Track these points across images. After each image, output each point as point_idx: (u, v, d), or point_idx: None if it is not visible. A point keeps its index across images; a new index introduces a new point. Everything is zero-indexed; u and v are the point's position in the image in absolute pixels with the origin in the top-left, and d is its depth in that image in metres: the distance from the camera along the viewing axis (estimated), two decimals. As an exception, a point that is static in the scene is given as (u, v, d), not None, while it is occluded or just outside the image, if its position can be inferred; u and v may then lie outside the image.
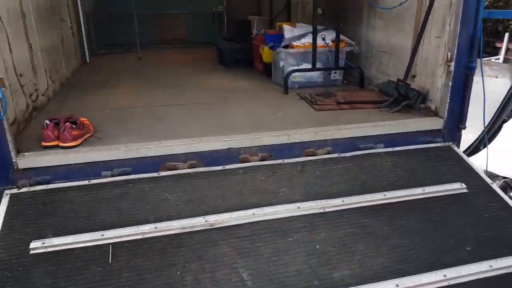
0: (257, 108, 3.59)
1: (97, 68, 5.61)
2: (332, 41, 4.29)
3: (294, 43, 4.30)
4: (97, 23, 7.64)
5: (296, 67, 4.27)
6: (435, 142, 3.08)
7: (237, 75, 5.14)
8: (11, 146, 2.39)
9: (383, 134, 3.02)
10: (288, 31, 4.45)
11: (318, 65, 4.25)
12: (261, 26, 5.74)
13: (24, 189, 2.41)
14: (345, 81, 4.59)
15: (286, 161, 2.77)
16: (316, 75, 4.37)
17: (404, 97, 3.41)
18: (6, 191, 2.39)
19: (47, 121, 2.62)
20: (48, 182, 2.47)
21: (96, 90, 4.20)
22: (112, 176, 2.53)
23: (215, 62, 6.03)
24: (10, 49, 2.91)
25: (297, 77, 4.29)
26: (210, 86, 4.52)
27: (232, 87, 4.47)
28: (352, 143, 2.95)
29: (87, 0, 6.78)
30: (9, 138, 2.37)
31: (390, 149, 2.95)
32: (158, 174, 2.58)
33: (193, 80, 4.83)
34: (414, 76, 3.61)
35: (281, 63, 4.36)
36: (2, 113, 2.29)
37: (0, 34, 2.79)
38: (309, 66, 4.22)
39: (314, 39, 4.13)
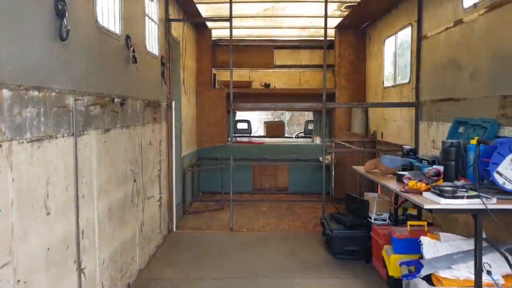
0: None
1: (178, 249, 4.79)
2: (505, 277, 2.79)
3: (441, 274, 2.89)
4: (194, 175, 7.26)
5: (445, 313, 2.80)
6: None
7: (349, 282, 3.81)
8: None
9: None
10: (429, 247, 3.08)
11: (485, 316, 2.72)
12: (382, 209, 4.50)
13: None
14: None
15: None
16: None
17: None
18: None
19: None
20: None
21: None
22: None
23: (319, 243, 4.81)
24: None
25: (447, 329, 2.78)
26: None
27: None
28: None
29: (184, 158, 6.43)
30: None
31: None
32: None
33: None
34: None
35: (420, 299, 2.93)
36: None
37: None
38: (469, 315, 2.72)
39: (478, 274, 2.69)
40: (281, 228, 5.65)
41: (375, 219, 4.45)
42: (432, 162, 3.57)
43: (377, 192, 5.34)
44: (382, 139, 6.80)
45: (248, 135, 8.84)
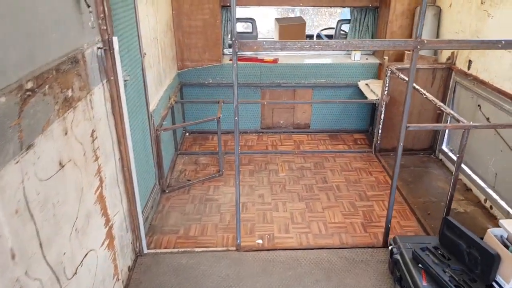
0: None
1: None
2: None
3: None
4: (175, 128, 4.87)
5: None
6: None
7: None
8: None
9: None
10: None
11: None
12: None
13: None
14: None
15: None
16: None
17: None
18: None
19: None
20: None
21: None
22: None
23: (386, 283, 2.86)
24: None
25: None
26: None
27: None
28: None
29: (156, 110, 3.97)
30: None
31: None
32: None
33: None
34: None
35: None
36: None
37: None
38: None
39: None
40: (314, 233, 3.58)
41: (512, 292, 2.38)
42: None
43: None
44: (469, 71, 4.27)
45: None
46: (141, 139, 3.42)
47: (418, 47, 2.70)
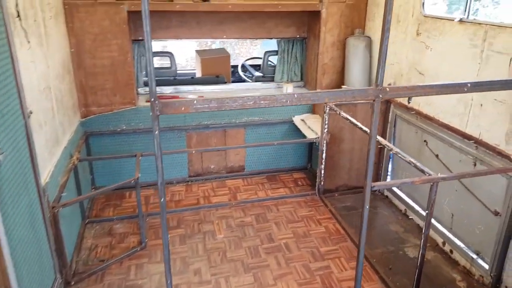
0: None
1: None
2: None
3: None
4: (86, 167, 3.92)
5: None
6: None
7: None
8: None
9: None
10: None
11: None
12: None
13: None
14: None
15: None
16: None
17: None
18: None
19: None
20: None
21: None
22: None
23: None
24: None
25: None
26: None
27: None
28: None
29: (50, 182, 3.03)
30: None
31: None
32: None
33: None
34: None
35: None
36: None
37: None
38: None
39: None
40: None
41: None
42: None
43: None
44: (410, 105, 4.01)
45: (173, 77, 5.33)
46: (28, 229, 2.49)
47: (380, 96, 2.24)
